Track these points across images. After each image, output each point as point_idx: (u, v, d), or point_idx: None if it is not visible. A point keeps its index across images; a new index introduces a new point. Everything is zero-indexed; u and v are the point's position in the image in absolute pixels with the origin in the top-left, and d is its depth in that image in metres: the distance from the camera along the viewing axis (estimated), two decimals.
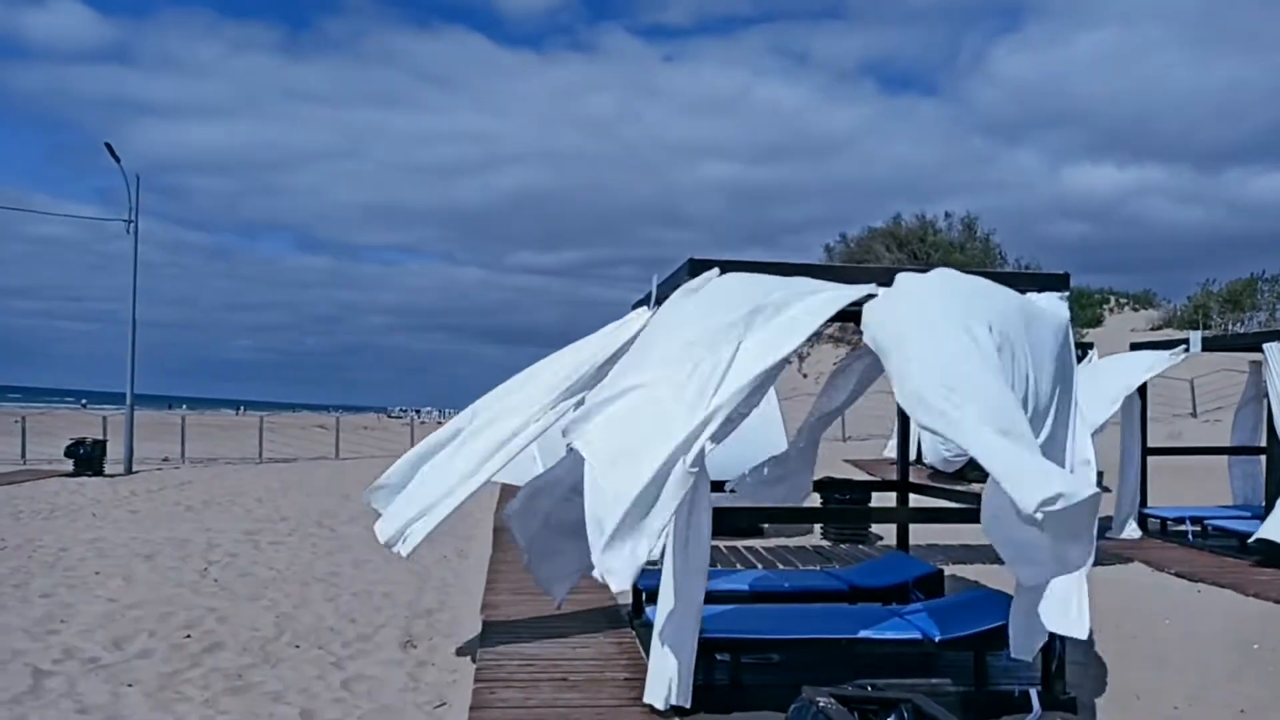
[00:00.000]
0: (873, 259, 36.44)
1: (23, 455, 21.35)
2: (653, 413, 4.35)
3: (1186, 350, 10.62)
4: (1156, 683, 5.57)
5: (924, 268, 5.25)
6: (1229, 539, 9.94)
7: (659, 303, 5.44)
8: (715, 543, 10.01)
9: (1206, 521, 10.47)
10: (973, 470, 15.34)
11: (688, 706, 4.67)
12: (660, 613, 4.77)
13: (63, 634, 6.59)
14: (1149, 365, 10.66)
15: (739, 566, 9.14)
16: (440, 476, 5.67)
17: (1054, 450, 4.57)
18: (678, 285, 5.19)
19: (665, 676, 4.67)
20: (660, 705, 4.67)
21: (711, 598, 5.87)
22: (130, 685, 5.52)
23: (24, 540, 10.42)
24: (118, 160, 19.85)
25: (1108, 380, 10.40)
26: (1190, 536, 10.39)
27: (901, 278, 5.03)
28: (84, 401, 57.97)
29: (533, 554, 6.32)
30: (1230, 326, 31.43)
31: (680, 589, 4.69)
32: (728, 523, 9.85)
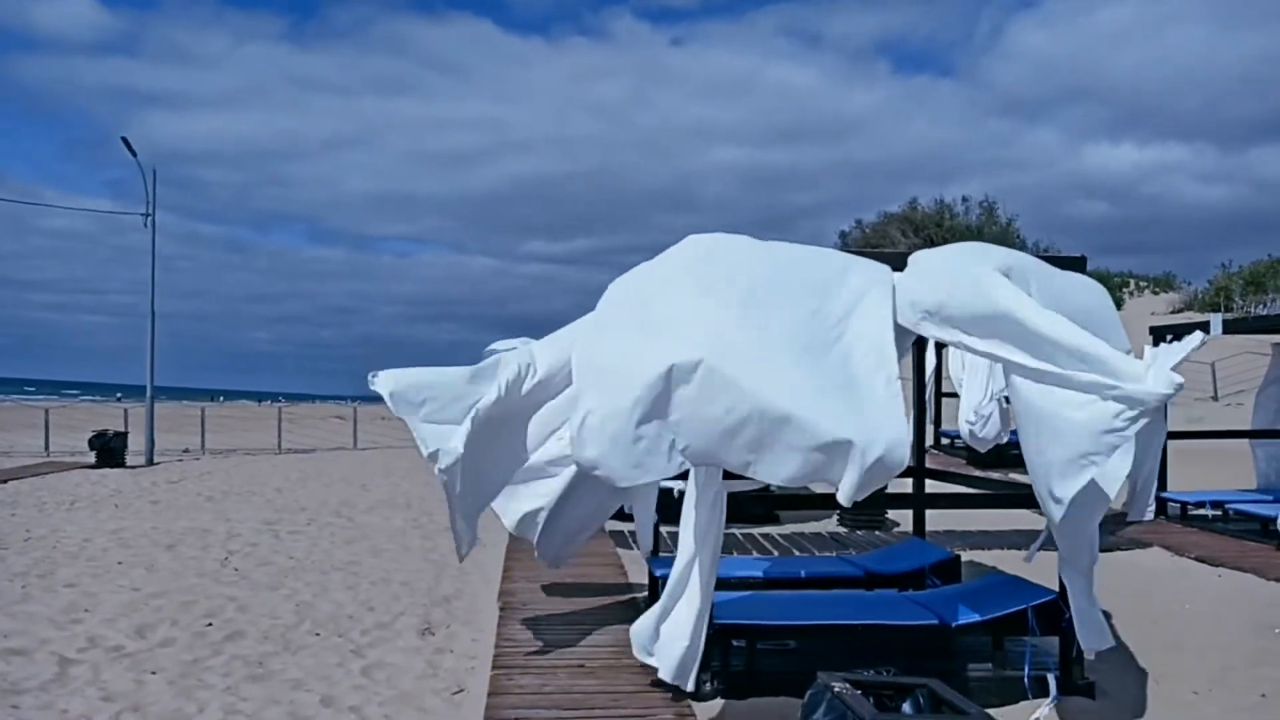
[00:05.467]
0: (888, 244, 36.19)
1: (46, 448, 21.61)
2: None
3: (1206, 334, 10.48)
4: (1176, 667, 5.54)
5: None
6: (1251, 523, 9.85)
7: None
8: (730, 530, 10.06)
9: (1228, 505, 10.38)
10: (1012, 452, 15.18)
11: (689, 690, 4.72)
12: (671, 595, 4.80)
13: (87, 623, 6.68)
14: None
15: (755, 553, 9.14)
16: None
17: None
18: None
19: (674, 658, 4.72)
20: (668, 678, 4.73)
21: (728, 584, 5.90)
22: (153, 673, 5.60)
23: (48, 531, 10.56)
24: (134, 154, 19.95)
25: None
26: (1211, 520, 10.30)
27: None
28: (119, 395, 58.64)
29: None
30: (1252, 309, 31.07)
31: (696, 575, 4.71)
32: (743, 509, 9.92)
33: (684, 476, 5.11)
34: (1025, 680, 5.03)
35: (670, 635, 4.75)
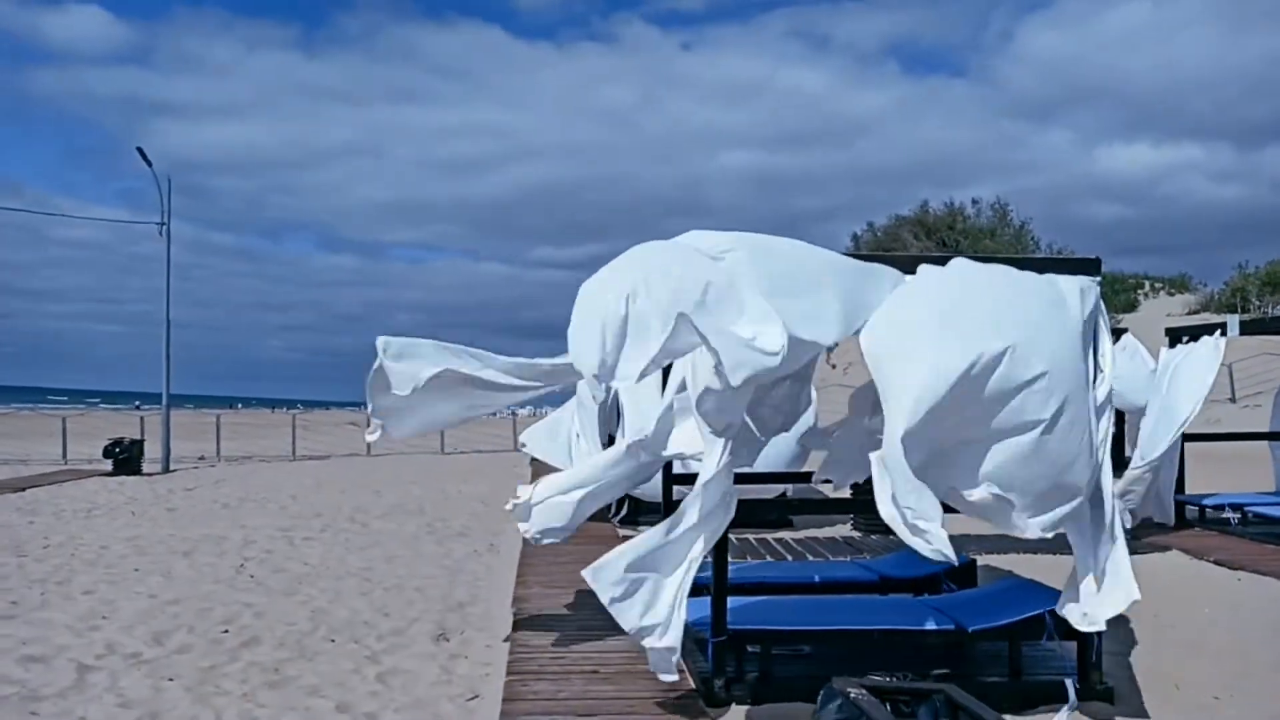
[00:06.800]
0: (900, 247, 36.08)
1: (64, 455, 21.78)
2: None
3: (1224, 335, 10.39)
4: (1196, 672, 5.49)
5: (952, 256, 5.16)
6: (1270, 526, 9.76)
7: None
8: (745, 534, 10.06)
9: (1247, 508, 10.28)
10: None
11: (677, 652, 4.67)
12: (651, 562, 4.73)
13: (104, 630, 6.72)
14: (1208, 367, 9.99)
15: (769, 558, 9.12)
16: None
17: (1075, 443, 4.43)
18: None
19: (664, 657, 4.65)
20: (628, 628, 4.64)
21: (742, 589, 5.87)
22: (170, 680, 5.62)
23: (66, 538, 10.64)
24: (149, 164, 20.12)
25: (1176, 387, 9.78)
26: (1231, 523, 10.21)
27: (918, 277, 4.84)
28: (137, 403, 59.15)
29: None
30: (1270, 309, 30.82)
31: (685, 556, 4.69)
32: (757, 514, 9.88)
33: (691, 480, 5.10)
34: (1068, 684, 4.92)
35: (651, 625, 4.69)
